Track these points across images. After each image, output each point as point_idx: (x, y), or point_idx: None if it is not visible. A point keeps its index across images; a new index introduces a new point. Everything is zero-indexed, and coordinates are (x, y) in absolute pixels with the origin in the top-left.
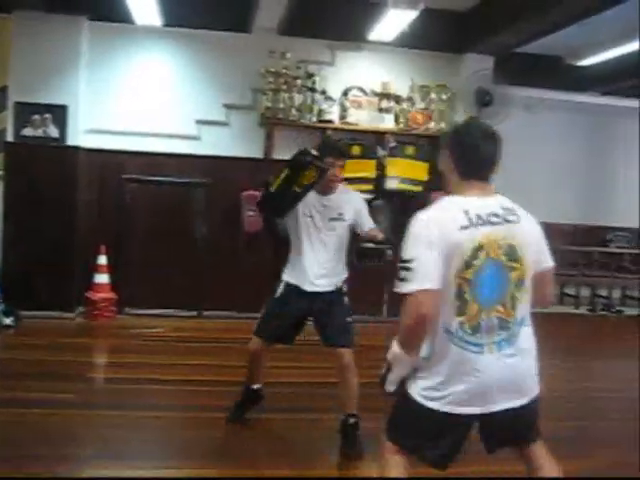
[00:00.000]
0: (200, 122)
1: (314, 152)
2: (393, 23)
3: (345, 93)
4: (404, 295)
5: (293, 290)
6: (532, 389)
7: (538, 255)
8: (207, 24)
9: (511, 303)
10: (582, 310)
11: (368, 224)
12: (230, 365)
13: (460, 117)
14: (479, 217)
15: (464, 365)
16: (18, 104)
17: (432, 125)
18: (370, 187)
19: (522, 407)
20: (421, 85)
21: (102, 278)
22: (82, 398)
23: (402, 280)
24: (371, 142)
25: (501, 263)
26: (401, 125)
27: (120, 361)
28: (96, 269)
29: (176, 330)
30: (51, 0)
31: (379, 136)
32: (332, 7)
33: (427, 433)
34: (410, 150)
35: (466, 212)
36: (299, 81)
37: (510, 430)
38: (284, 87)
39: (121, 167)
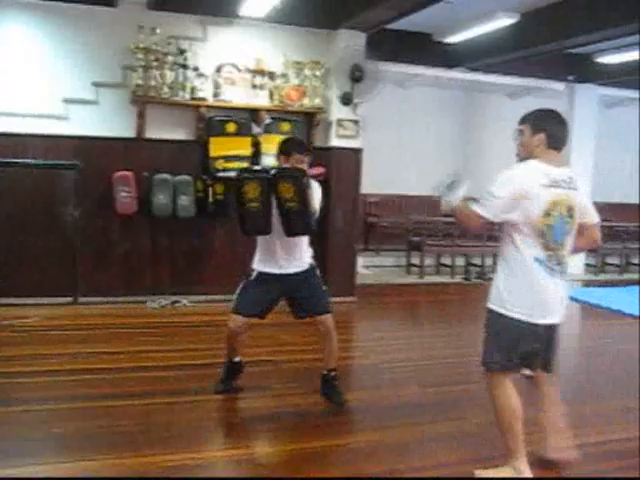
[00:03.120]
0: (68, 101)
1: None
2: None
3: (218, 70)
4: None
5: (266, 276)
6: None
7: (583, 214)
8: None
9: (566, 246)
10: (457, 279)
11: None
12: (108, 351)
13: (334, 93)
14: (555, 181)
15: (547, 286)
16: None
17: (306, 101)
18: (246, 165)
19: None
20: (295, 61)
21: None
22: None
23: (479, 202)
24: (246, 119)
25: (564, 217)
26: (276, 102)
27: None
28: None
29: (50, 319)
30: None
31: (254, 113)
32: None
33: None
34: (285, 126)
35: (547, 175)
36: (170, 57)
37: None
38: (155, 64)
39: None
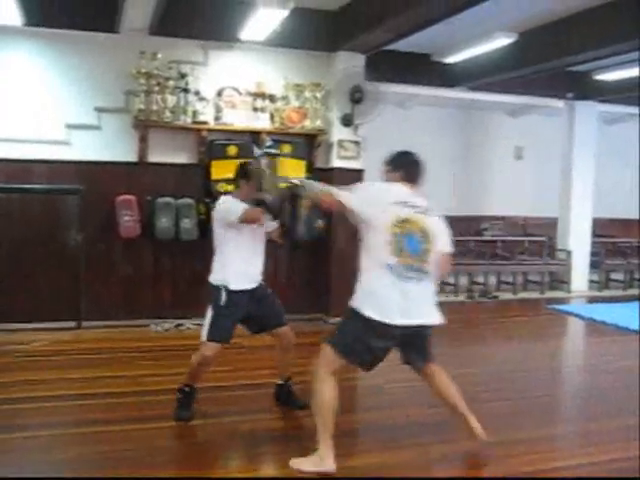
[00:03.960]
0: (70, 126)
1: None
2: (264, 22)
3: (219, 93)
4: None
5: (238, 295)
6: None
7: (437, 239)
8: (73, 24)
9: (426, 260)
10: (461, 297)
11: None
12: (111, 376)
13: (334, 114)
14: (407, 202)
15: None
16: None
17: (307, 123)
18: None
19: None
20: (295, 84)
21: None
22: None
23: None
24: (247, 142)
25: (417, 236)
26: (277, 124)
27: None
28: None
29: (54, 343)
30: None
31: (255, 136)
32: (203, 6)
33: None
34: (287, 148)
35: (402, 196)
36: (172, 82)
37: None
38: (157, 88)
39: None
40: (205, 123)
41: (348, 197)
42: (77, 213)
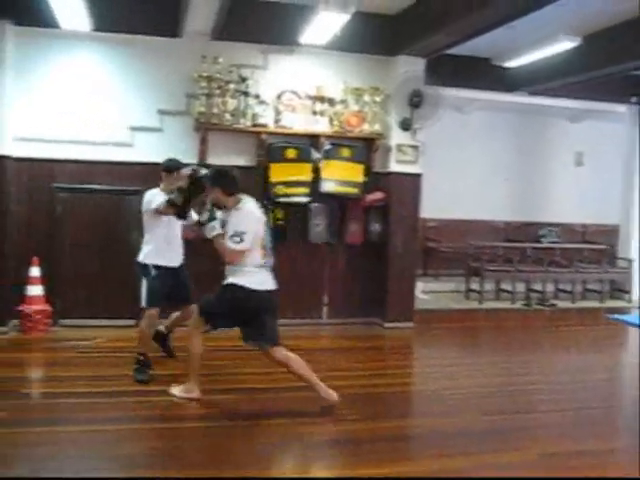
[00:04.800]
0: (134, 128)
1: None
2: (325, 26)
3: (279, 97)
4: (236, 250)
5: (161, 268)
6: None
7: None
8: (137, 29)
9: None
10: (518, 305)
11: None
12: (167, 374)
13: (393, 118)
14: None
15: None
16: None
17: (366, 127)
18: (306, 190)
19: None
20: (354, 87)
21: (35, 290)
22: (14, 415)
23: (236, 240)
24: (306, 145)
25: (266, 232)
26: (335, 128)
27: (55, 375)
28: (29, 281)
29: (113, 341)
30: None
31: (314, 139)
32: (264, 11)
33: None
34: (345, 152)
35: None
36: (232, 85)
37: None
38: (217, 92)
39: (52, 176)
40: (264, 126)
41: (247, 242)
42: (138, 213)
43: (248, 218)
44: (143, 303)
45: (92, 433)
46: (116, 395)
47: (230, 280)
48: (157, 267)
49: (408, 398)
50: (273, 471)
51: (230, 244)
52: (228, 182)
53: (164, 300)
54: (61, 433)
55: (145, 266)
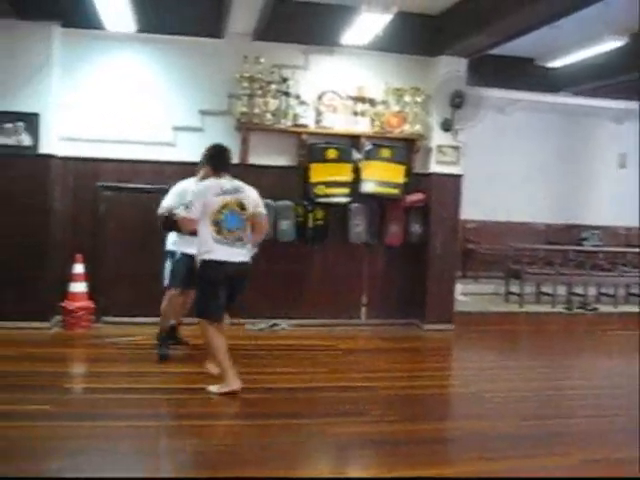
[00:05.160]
0: (176, 128)
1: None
2: (367, 27)
3: (320, 97)
4: (184, 218)
5: (186, 255)
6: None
7: (255, 206)
8: (180, 30)
9: (242, 229)
10: (559, 308)
11: None
12: (205, 372)
13: (434, 119)
14: (224, 190)
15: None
16: None
17: (407, 127)
18: (346, 190)
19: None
20: (395, 88)
21: (78, 287)
22: (58, 409)
23: (187, 209)
24: (346, 145)
25: (235, 211)
26: (376, 128)
27: (97, 370)
28: (72, 278)
29: (152, 338)
30: (22, 7)
31: (354, 139)
32: (306, 11)
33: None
34: (386, 153)
35: (220, 187)
36: (274, 86)
37: None
38: (259, 92)
39: (96, 175)
40: (305, 126)
41: (195, 211)
42: None
43: (200, 190)
44: (166, 282)
45: (131, 429)
46: (156, 392)
47: (188, 251)
48: (184, 254)
49: (447, 400)
50: (308, 470)
51: (181, 211)
52: (217, 161)
53: (184, 283)
54: (100, 428)
55: (173, 253)
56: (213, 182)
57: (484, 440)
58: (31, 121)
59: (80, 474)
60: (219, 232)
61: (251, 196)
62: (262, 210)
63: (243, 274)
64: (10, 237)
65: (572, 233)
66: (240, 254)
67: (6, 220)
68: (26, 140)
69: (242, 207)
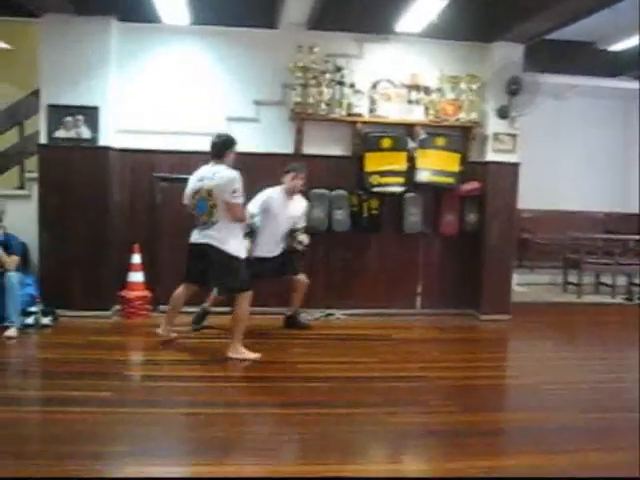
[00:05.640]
0: (231, 119)
1: None
2: (422, 14)
3: (374, 86)
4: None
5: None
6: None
7: (221, 193)
8: (234, 21)
9: (213, 213)
10: (618, 299)
11: None
12: (262, 361)
13: (490, 106)
14: (201, 177)
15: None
16: (50, 107)
17: (462, 115)
18: (401, 180)
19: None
20: (450, 75)
21: (136, 277)
22: (119, 396)
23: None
24: (401, 134)
25: (204, 197)
26: (431, 116)
27: (156, 359)
28: (130, 268)
29: (211, 327)
30: (80, 2)
31: (409, 128)
32: (360, 0)
33: None
34: (441, 141)
35: (201, 174)
36: (328, 75)
37: None
38: (313, 82)
39: (152, 166)
40: (360, 115)
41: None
42: None
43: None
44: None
45: (188, 416)
46: (213, 380)
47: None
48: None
49: (505, 391)
50: (365, 460)
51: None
52: (210, 149)
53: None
54: (162, 414)
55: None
56: (200, 170)
57: (543, 432)
58: (90, 114)
59: (148, 459)
60: (195, 217)
61: (220, 184)
62: (227, 197)
63: (208, 254)
64: (74, 229)
65: (633, 222)
66: (206, 236)
67: (69, 213)
68: (85, 133)
69: (209, 194)
